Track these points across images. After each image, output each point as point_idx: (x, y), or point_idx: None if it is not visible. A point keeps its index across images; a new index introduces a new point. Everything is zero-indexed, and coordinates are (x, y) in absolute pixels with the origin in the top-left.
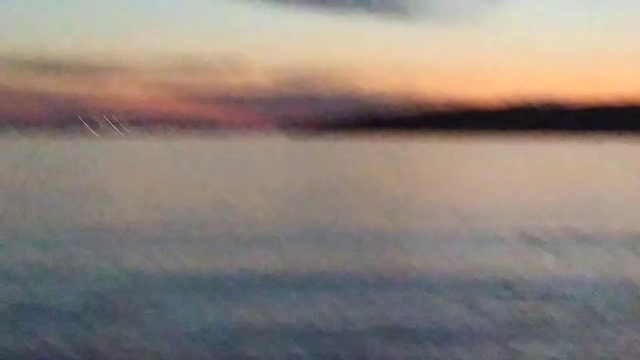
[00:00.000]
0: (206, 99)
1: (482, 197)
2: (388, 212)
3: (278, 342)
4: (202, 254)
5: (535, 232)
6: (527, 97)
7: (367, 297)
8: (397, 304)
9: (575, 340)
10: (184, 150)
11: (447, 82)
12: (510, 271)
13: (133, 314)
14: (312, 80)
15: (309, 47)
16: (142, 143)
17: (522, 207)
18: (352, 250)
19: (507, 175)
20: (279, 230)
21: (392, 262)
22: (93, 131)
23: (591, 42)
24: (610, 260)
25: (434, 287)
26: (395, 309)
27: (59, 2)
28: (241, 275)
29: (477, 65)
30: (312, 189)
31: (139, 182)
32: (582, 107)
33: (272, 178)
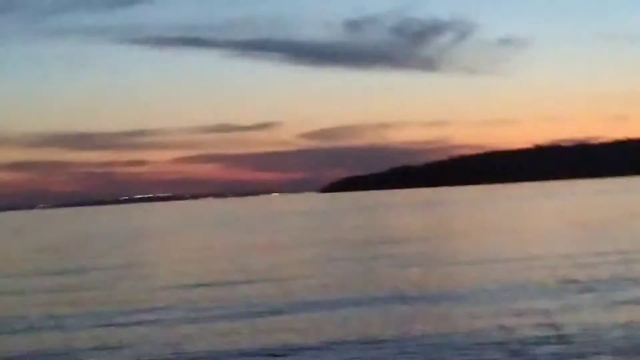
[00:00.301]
0: (237, 158)
1: (518, 243)
2: (428, 264)
3: None
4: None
5: (575, 276)
6: (557, 139)
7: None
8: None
9: None
10: (221, 212)
11: (477, 129)
12: (553, 316)
13: None
14: (343, 135)
15: (337, 102)
16: (177, 206)
17: (559, 251)
18: (397, 305)
19: (542, 218)
20: (323, 293)
21: (438, 315)
22: (127, 198)
23: (618, 83)
24: None
25: (484, 340)
26: None
27: (92, 76)
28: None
29: (506, 111)
30: (348, 243)
31: (181, 246)
32: (613, 148)
33: (310, 235)
